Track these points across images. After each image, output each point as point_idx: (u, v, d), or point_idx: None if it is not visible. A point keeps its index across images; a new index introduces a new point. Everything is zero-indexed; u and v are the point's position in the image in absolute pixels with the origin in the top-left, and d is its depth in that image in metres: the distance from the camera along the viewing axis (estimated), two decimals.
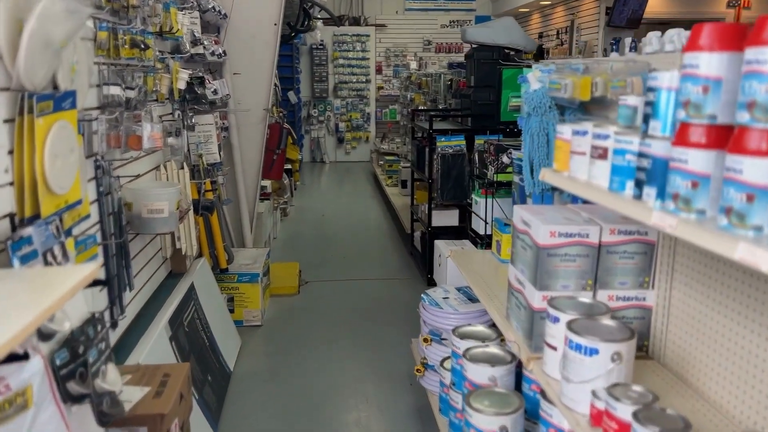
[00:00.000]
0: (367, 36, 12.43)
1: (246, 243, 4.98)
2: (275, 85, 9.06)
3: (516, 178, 3.22)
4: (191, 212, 3.45)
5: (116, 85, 2.53)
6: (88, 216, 2.32)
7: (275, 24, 4.90)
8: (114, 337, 2.56)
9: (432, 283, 5.11)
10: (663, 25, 9.23)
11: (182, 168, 3.46)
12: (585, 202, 2.47)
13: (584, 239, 2.05)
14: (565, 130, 1.80)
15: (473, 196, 3.77)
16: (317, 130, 12.62)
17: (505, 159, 3.47)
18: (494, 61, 4.99)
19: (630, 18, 8.33)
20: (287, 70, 10.63)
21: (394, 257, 6.07)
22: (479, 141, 4.97)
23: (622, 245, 2.07)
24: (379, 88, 12.73)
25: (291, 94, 10.42)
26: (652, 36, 2.32)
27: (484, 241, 3.62)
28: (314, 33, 9.79)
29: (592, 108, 2.56)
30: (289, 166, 8.66)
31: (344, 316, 4.51)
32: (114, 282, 2.53)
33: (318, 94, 12.44)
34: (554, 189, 2.73)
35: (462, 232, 5.18)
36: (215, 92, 4.26)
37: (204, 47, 4.13)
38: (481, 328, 2.53)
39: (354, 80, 12.54)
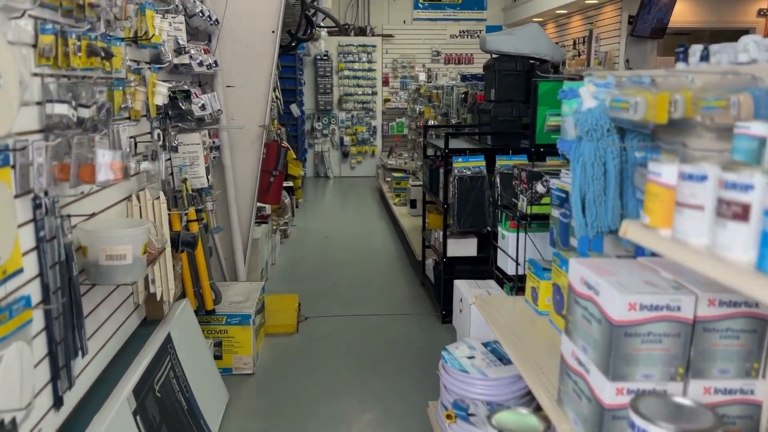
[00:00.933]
0: (374, 47, 11.97)
1: (239, 275, 4.45)
2: (276, 98, 8.57)
3: (556, 213, 2.69)
4: (168, 250, 2.92)
5: (64, 102, 2.02)
6: (20, 271, 1.81)
7: (273, 31, 4.41)
8: (58, 419, 2.03)
9: (447, 321, 4.57)
10: (687, 35, 8.71)
11: (158, 198, 2.94)
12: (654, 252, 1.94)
13: (674, 313, 1.52)
14: (665, 171, 1.27)
15: (500, 229, 3.24)
16: (321, 143, 12.13)
17: (540, 188, 2.95)
18: (518, 73, 4.48)
19: (654, 27, 7.82)
20: (290, 82, 10.16)
21: (403, 287, 5.53)
22: (501, 162, 4.45)
23: (724, 320, 1.54)
24: (386, 100, 12.25)
25: (294, 107, 9.94)
26: (749, 40, 1.79)
27: (514, 285, 3.08)
28: (318, 43, 9.32)
29: (662, 132, 2.03)
30: (290, 184, 8.16)
31: (349, 363, 3.97)
32: (59, 350, 2.01)
33: (322, 106, 11.97)
34: (611, 232, 2.20)
35: (480, 262, 4.66)
36: (203, 107, 3.75)
37: (191, 57, 3.63)
38: (524, 413, 1.99)
39: (360, 92, 12.06)
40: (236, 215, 4.39)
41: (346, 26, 11.94)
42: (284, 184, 8.16)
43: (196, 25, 3.86)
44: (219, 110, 4.22)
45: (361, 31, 12.04)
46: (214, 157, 4.18)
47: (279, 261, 6.33)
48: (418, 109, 9.30)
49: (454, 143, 4.70)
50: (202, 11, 3.74)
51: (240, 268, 4.42)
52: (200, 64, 3.75)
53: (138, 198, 2.88)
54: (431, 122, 8.22)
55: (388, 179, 9.29)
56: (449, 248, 4.57)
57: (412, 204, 7.47)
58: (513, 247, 3.11)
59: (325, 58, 11.77)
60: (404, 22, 12.18)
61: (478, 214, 4.39)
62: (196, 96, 3.74)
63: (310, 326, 4.57)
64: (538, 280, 2.74)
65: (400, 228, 7.33)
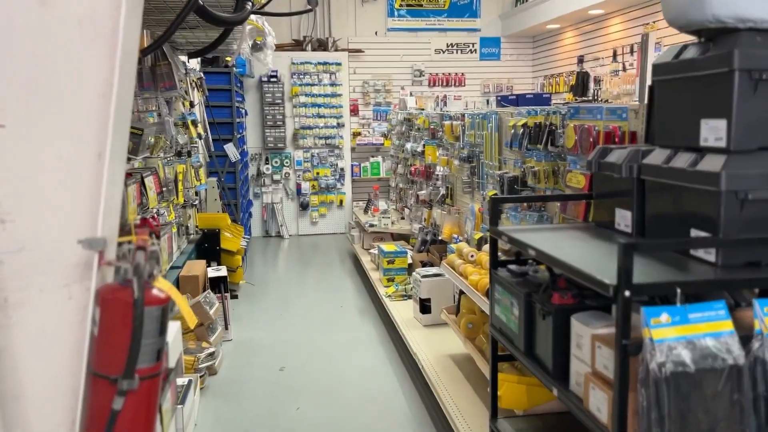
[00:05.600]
0: (338, 65, 9.14)
1: None
2: (198, 135, 5.60)
3: None
4: None
5: None
6: None
7: None
8: None
9: None
10: None
11: None
12: None
13: None
14: None
15: None
16: (271, 192, 9.15)
17: None
18: None
19: None
20: (223, 113, 7.19)
21: None
22: None
23: None
24: (356, 134, 9.41)
25: (230, 148, 6.98)
26: None
27: None
28: (263, 55, 6.41)
29: None
30: (221, 272, 5.16)
31: None
32: None
33: (272, 143, 9.02)
34: None
35: None
36: None
37: None
38: None
39: (321, 124, 9.18)
40: None
41: (300, 41, 9.12)
42: (213, 273, 5.16)
43: None
44: None
45: (321, 45, 9.21)
46: None
47: None
48: (410, 147, 6.49)
49: (574, 248, 1.84)
50: None
51: None
52: None
53: None
54: (440, 168, 5.41)
55: (373, 251, 6.39)
56: None
57: (425, 307, 4.58)
58: None
59: (274, 80, 8.87)
60: (376, 33, 9.43)
61: None
62: None
63: None
64: None
65: (403, 344, 4.43)
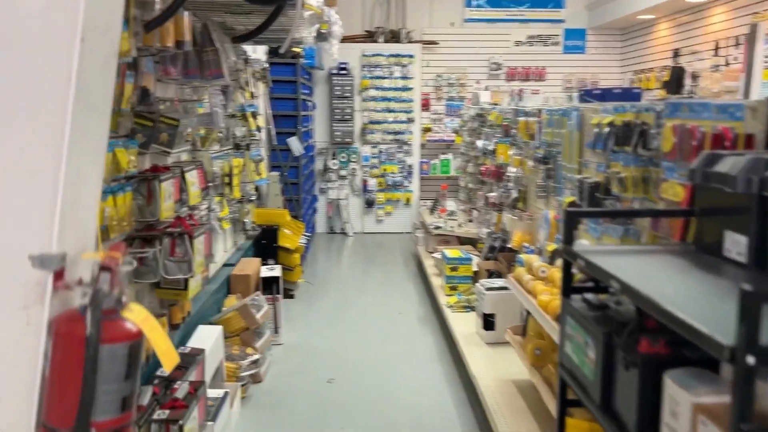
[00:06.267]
0: (411, 57, 8.78)
1: None
2: (258, 128, 5.38)
3: None
4: None
5: None
6: None
7: None
8: None
9: None
10: None
11: None
12: None
13: None
14: None
15: None
16: (337, 189, 8.92)
17: None
18: None
19: None
20: (287, 105, 6.97)
21: None
22: None
23: None
24: (426, 130, 9.02)
25: (293, 141, 6.76)
26: None
27: None
28: (329, 45, 6.13)
29: None
30: (274, 272, 4.92)
31: None
32: None
33: (339, 138, 8.78)
34: None
35: None
36: None
37: None
38: None
39: (390, 119, 8.85)
40: None
41: (372, 32, 8.79)
42: (266, 273, 4.93)
43: None
44: None
45: (394, 37, 8.87)
46: None
47: None
48: (480, 145, 6.04)
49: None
50: None
51: None
52: None
53: None
54: (512, 169, 4.95)
55: (436, 255, 6.00)
56: None
57: (488, 323, 4.15)
58: None
59: (344, 72, 8.61)
60: (452, 24, 8.99)
61: None
62: None
63: None
64: None
65: (462, 362, 4.03)
